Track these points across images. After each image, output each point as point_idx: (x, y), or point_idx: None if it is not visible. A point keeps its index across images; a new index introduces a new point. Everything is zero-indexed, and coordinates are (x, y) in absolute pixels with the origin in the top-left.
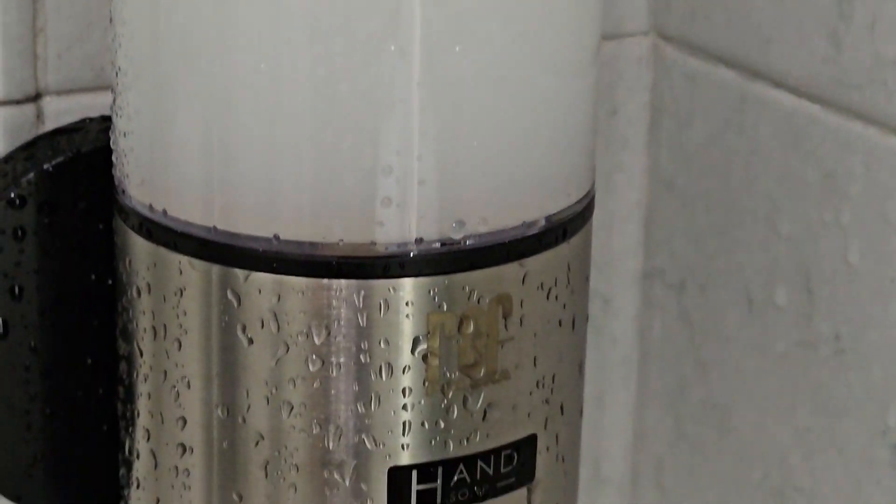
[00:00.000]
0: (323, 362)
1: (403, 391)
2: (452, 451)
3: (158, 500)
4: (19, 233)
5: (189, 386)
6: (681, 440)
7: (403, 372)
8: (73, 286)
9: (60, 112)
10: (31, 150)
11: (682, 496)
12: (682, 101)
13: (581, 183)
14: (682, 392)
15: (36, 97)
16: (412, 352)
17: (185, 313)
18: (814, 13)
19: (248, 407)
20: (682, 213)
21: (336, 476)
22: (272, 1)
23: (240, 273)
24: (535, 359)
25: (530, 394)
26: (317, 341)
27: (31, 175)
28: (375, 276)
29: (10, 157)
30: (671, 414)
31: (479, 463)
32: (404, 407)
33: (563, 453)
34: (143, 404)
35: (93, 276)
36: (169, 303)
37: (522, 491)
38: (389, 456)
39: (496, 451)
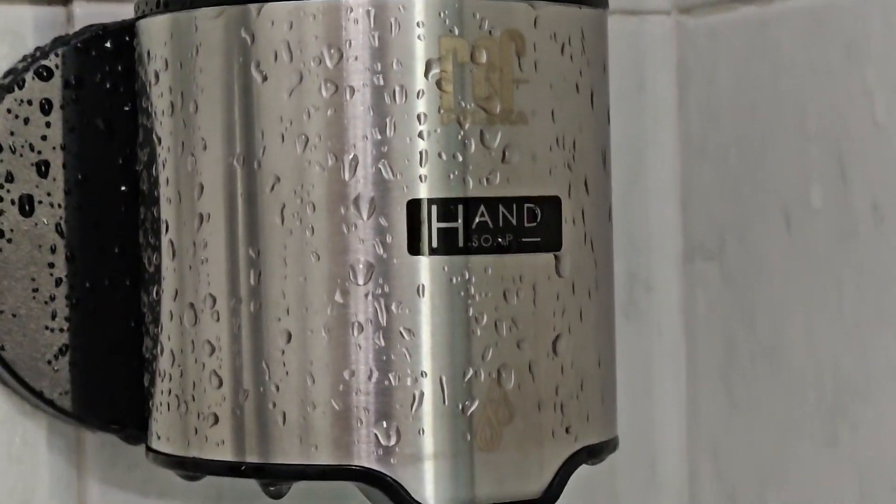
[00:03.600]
0: (337, 87)
1: (419, 117)
2: (472, 189)
3: (177, 291)
4: (46, 106)
5: (206, 147)
6: (735, 413)
7: (418, 96)
8: (99, 166)
9: (89, 17)
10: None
11: (739, 474)
12: (706, 61)
13: None
14: (731, 360)
15: (66, 1)
16: (425, 75)
17: (202, 70)
18: None
19: (264, 149)
20: (716, 174)
21: (354, 211)
22: None
23: (253, 8)
24: (552, 112)
25: (550, 149)
26: (329, 66)
27: (59, 49)
28: None
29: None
30: (723, 388)
31: (501, 209)
32: (420, 135)
33: (592, 238)
34: (163, 191)
35: (119, 160)
36: (185, 67)
37: (549, 257)
38: (407, 187)
39: (518, 201)
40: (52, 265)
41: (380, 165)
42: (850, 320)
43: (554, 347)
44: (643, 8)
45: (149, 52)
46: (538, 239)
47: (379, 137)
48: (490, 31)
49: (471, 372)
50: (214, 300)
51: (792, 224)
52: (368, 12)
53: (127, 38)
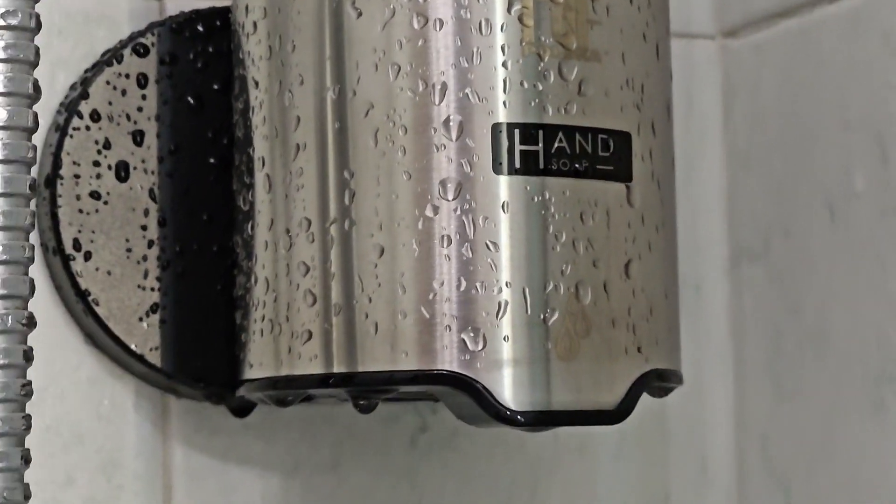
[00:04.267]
0: (426, 20)
1: (502, 48)
2: (551, 116)
3: (272, 221)
4: (142, 80)
5: (302, 81)
6: (782, 402)
7: (501, 29)
8: (190, 138)
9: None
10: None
11: (788, 461)
12: (750, 76)
13: None
14: (777, 352)
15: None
16: (508, 10)
17: (299, 12)
18: None
19: (358, 79)
20: (760, 180)
21: (443, 133)
22: None
23: None
24: (622, 55)
25: (621, 88)
26: (420, 0)
27: (156, 30)
28: None
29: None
30: (769, 381)
31: (578, 137)
32: (504, 64)
33: (659, 178)
34: (259, 131)
35: (209, 133)
36: (283, 11)
37: (621, 186)
38: (492, 112)
39: (593, 131)
40: (144, 227)
41: (466, 91)
42: (894, 294)
43: (626, 270)
44: (690, 32)
45: (247, 6)
46: (611, 168)
47: (465, 66)
48: None
49: (551, 285)
50: (309, 223)
51: (836, 213)
52: None
53: (217, 22)
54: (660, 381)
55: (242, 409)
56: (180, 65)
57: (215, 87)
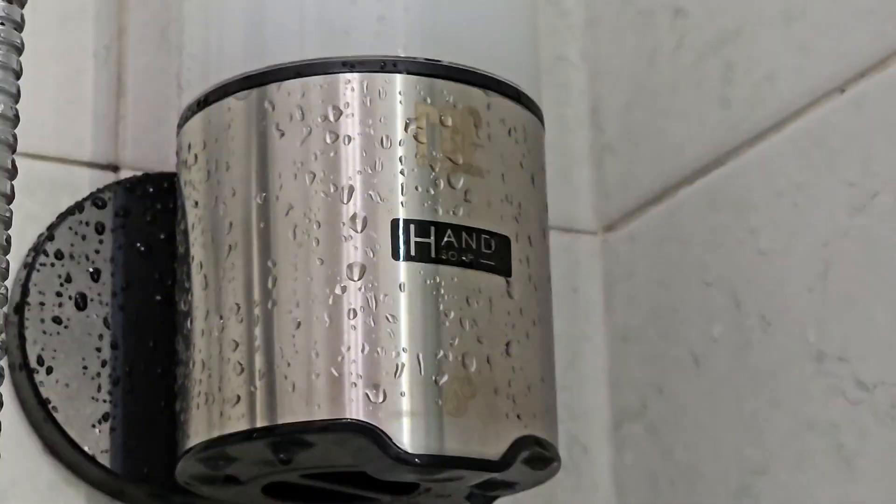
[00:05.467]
0: (337, 136)
1: (400, 159)
2: (441, 216)
3: (208, 311)
4: (100, 228)
5: (234, 193)
6: None
7: (400, 144)
8: (139, 278)
9: None
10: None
11: None
12: (626, 261)
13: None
14: (655, 494)
15: (115, 168)
16: (405, 129)
17: (233, 138)
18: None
19: (281, 186)
20: (636, 351)
21: (350, 227)
22: None
23: (274, 86)
24: (502, 175)
25: (501, 201)
26: (332, 120)
27: (113, 188)
28: (375, 71)
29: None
30: None
31: (464, 234)
32: (402, 172)
33: (536, 282)
34: (199, 241)
35: (156, 275)
36: (220, 140)
37: (502, 280)
38: (391, 210)
39: (477, 231)
40: (99, 349)
41: (370, 193)
42: (748, 413)
43: (507, 349)
44: (574, 228)
45: (189, 145)
46: (493, 263)
47: (370, 172)
48: (454, 105)
49: (441, 353)
50: (238, 307)
51: (699, 360)
52: (361, 83)
53: (164, 184)
54: (538, 447)
55: None
56: (132, 217)
57: (161, 236)
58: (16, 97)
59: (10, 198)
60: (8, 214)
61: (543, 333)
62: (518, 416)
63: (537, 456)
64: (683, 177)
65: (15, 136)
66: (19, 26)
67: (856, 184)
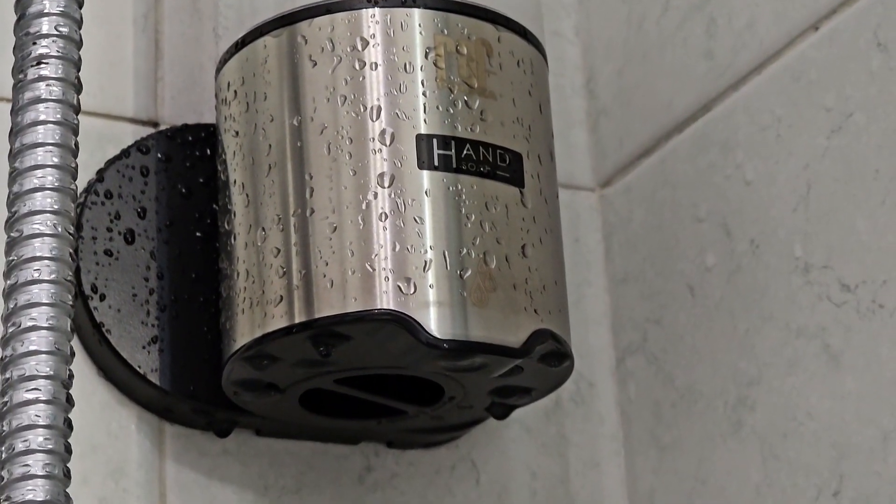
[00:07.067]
0: (364, 63)
1: (422, 82)
2: (461, 132)
3: (251, 225)
4: (145, 171)
5: (272, 119)
6: (664, 457)
7: (420, 69)
8: (180, 216)
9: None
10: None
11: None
12: (623, 209)
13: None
14: (658, 419)
15: (155, 124)
16: (425, 57)
17: (269, 70)
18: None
19: (315, 109)
20: (635, 289)
21: (378, 142)
22: None
23: (305, 22)
24: (513, 100)
25: (513, 122)
26: (359, 49)
27: (154, 133)
28: (396, 6)
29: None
30: (654, 444)
31: (481, 149)
32: (423, 94)
33: (546, 196)
34: (239, 163)
35: (196, 214)
36: (257, 75)
37: (516, 190)
38: (415, 126)
39: (493, 146)
40: (146, 279)
41: (396, 111)
42: (742, 331)
43: (523, 251)
44: (574, 184)
45: (228, 83)
46: (507, 175)
47: (395, 94)
48: (469, 36)
49: (464, 250)
50: (279, 217)
51: (695, 290)
52: (384, 16)
53: (202, 134)
54: (554, 341)
55: (223, 431)
56: (173, 163)
57: (200, 180)
58: (78, 65)
59: (75, 152)
60: (73, 166)
61: (555, 242)
62: (535, 311)
63: (553, 351)
64: (673, 127)
65: (79, 100)
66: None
67: (832, 108)
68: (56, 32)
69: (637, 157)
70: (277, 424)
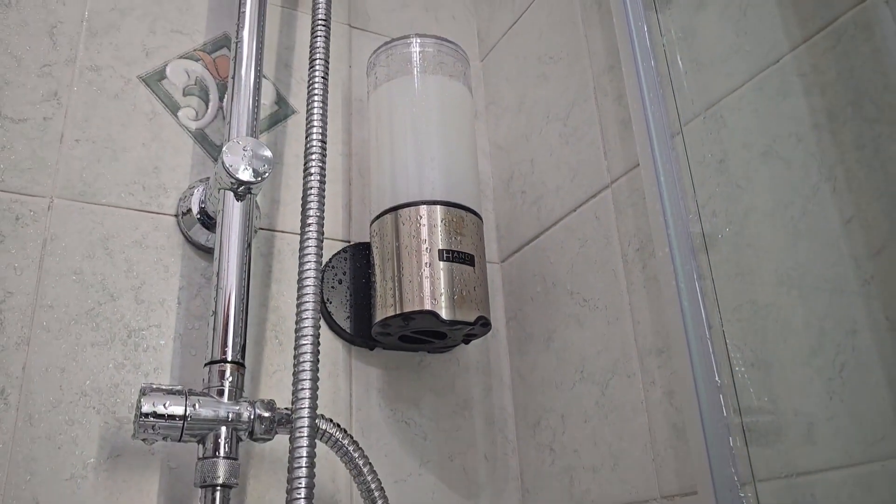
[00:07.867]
0: (420, 226)
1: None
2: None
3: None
4: (345, 258)
5: (390, 252)
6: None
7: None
8: (358, 290)
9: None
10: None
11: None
12: (515, 278)
13: (473, 201)
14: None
15: (347, 241)
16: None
17: (387, 233)
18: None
19: (397, 245)
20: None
21: (426, 255)
22: None
23: (401, 211)
24: (474, 245)
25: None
26: (423, 237)
27: (345, 248)
28: (429, 204)
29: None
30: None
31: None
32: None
33: (482, 268)
34: (377, 266)
35: (364, 276)
36: (384, 232)
37: (471, 268)
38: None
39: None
40: (348, 297)
41: (425, 247)
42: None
43: (474, 289)
44: (490, 260)
45: (375, 232)
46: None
47: (425, 241)
48: (452, 217)
49: (455, 289)
50: (395, 275)
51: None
52: (428, 210)
53: (363, 250)
54: (485, 319)
55: (371, 347)
56: (356, 256)
57: (365, 262)
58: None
59: (320, 262)
60: (322, 266)
61: (486, 285)
62: (478, 307)
63: (484, 322)
64: (549, 224)
65: (322, 231)
66: (322, 157)
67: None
68: (317, 186)
69: (523, 244)
70: (390, 346)
